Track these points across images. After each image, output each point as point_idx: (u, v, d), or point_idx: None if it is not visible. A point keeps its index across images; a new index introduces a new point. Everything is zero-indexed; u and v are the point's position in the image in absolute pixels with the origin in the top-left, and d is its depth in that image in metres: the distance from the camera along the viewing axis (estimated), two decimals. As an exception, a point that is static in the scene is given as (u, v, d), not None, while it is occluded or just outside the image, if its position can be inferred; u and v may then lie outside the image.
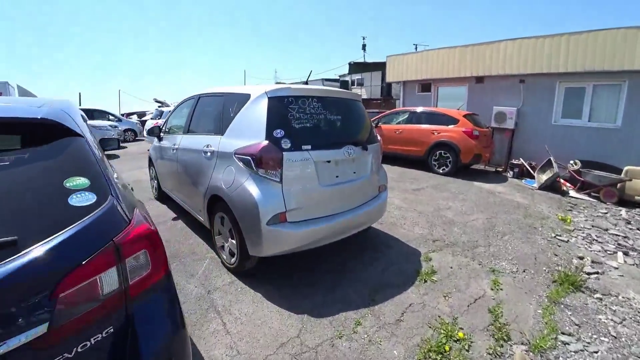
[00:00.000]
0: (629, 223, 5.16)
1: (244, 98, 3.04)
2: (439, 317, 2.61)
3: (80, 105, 21.93)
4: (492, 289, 3.01)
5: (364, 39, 34.95)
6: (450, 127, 7.77)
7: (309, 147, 2.81)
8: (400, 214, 4.76)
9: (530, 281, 3.19)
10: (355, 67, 30.86)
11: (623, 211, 5.78)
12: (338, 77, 32.90)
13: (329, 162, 2.93)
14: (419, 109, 8.73)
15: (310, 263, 3.32)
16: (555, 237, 4.25)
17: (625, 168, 6.76)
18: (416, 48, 23.15)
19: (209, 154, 3.26)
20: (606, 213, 5.61)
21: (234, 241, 3.00)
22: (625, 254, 3.93)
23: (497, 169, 8.84)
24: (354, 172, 3.16)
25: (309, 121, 2.90)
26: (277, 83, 39.86)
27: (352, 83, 30.43)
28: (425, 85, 11.10)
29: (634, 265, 3.67)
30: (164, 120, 4.98)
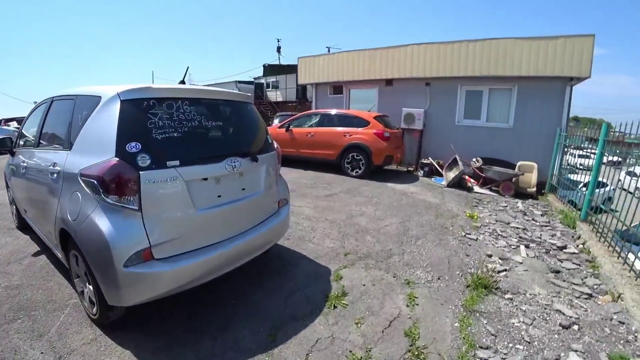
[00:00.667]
0: (525, 214, 5.55)
1: (94, 102, 2.34)
2: (350, 351, 2.21)
3: None
4: (407, 305, 2.74)
5: (278, 41, 34.56)
6: (362, 129, 7.73)
7: (177, 162, 2.20)
8: (310, 226, 4.35)
9: (446, 289, 3.01)
10: (270, 70, 30.34)
11: (519, 203, 6.28)
12: (252, 80, 32.06)
13: (205, 179, 2.35)
14: (331, 111, 8.57)
15: (196, 296, 2.69)
16: (465, 236, 4.27)
17: (518, 163, 7.44)
18: (329, 51, 23.59)
19: (55, 175, 2.48)
20: (506, 206, 6.01)
21: (91, 287, 2.28)
22: (527, 246, 4.10)
23: (409, 168, 9.14)
24: (243, 189, 2.63)
25: (177, 130, 2.29)
26: (181, 83, 37.22)
27: (267, 85, 29.91)
28: (337, 87, 11.10)
29: (534, 257, 3.80)
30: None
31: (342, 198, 5.75)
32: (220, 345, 2.22)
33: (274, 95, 29.39)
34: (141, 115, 2.18)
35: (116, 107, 2.15)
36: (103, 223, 2.03)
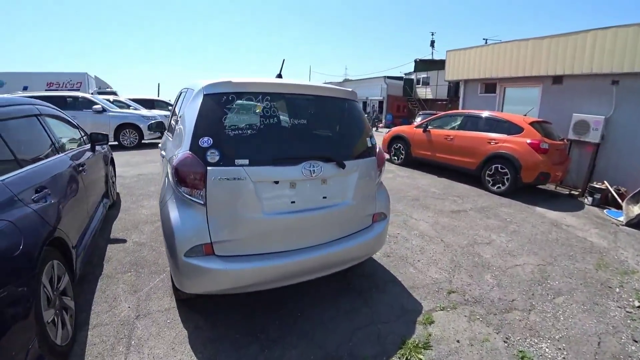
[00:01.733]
0: None
1: (190, 95, 2.49)
2: None
3: (158, 96, 23.28)
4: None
5: (432, 34, 32.62)
6: (512, 136, 6.41)
7: (246, 161, 2.12)
8: (419, 245, 3.82)
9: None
10: (421, 65, 28.96)
11: None
12: (403, 75, 31.24)
13: (277, 183, 2.22)
14: (477, 113, 7.41)
15: (264, 296, 2.69)
16: (639, 307, 2.98)
17: None
18: (486, 42, 20.81)
19: (162, 159, 2.80)
20: None
21: (172, 266, 2.54)
22: None
23: (572, 191, 7.13)
24: (324, 197, 2.40)
25: (251, 127, 2.22)
26: (346, 80, 38.72)
27: (418, 82, 28.62)
28: (490, 85, 9.54)
29: None
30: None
31: (471, 217, 4.89)
32: (264, 359, 2.11)
33: (423, 92, 27.99)
34: (218, 110, 2.17)
35: (199, 101, 2.23)
36: (173, 211, 2.17)
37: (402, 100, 30.06)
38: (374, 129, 24.38)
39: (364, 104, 34.00)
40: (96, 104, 9.90)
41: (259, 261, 2.17)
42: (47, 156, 2.75)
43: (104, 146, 4.72)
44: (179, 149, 2.21)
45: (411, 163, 8.67)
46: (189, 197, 2.11)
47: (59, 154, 2.98)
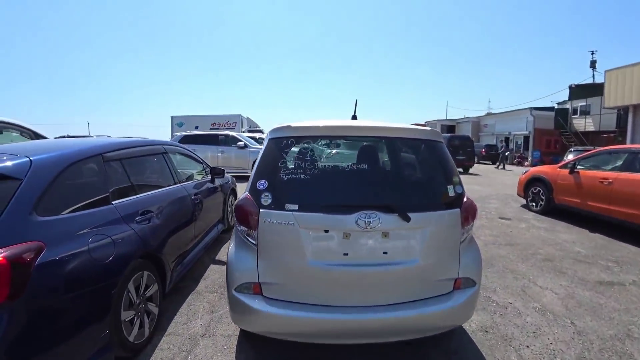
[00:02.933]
0: None
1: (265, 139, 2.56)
2: None
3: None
4: None
5: (593, 53, 26.91)
6: None
7: (296, 206, 2.03)
8: (534, 325, 2.87)
9: None
10: (578, 91, 24.07)
11: None
12: (555, 105, 26.66)
13: (326, 231, 2.01)
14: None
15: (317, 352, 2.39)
16: None
17: None
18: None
19: None
20: None
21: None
22: None
23: None
24: (385, 253, 2.04)
25: (305, 171, 2.14)
26: (488, 114, 35.95)
27: (574, 112, 23.95)
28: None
29: None
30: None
31: (631, 295, 3.49)
32: None
33: (582, 124, 23.21)
34: (277, 153, 2.18)
35: (264, 145, 2.31)
36: (232, 247, 2.27)
37: (553, 134, 25.46)
38: (500, 166, 21.24)
39: (506, 139, 30.28)
40: (240, 140, 11.65)
41: (301, 311, 2.01)
42: (163, 186, 3.25)
43: (229, 178, 5.40)
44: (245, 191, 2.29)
45: (553, 211, 7.06)
46: (246, 236, 2.15)
47: (175, 184, 3.48)
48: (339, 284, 2.04)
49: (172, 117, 25.99)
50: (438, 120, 40.29)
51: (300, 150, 2.21)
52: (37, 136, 5.28)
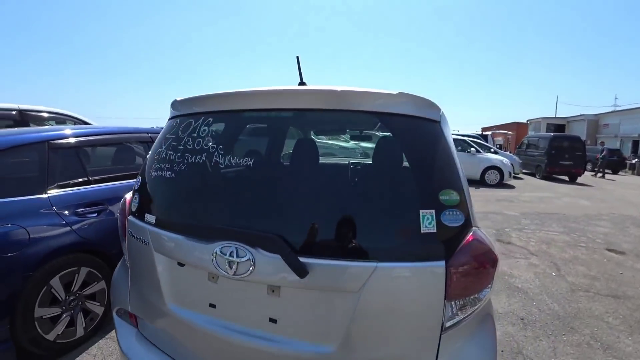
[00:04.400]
0: None
1: None
2: None
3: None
4: None
5: None
6: None
7: (153, 218, 1.36)
8: None
9: None
10: None
11: None
12: None
13: (182, 265, 1.29)
14: None
15: None
16: None
17: None
18: None
19: None
20: None
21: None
22: None
23: None
24: (273, 321, 1.13)
25: (173, 166, 1.38)
26: (613, 112, 29.72)
27: None
28: None
29: None
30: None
31: None
32: None
33: None
34: (160, 139, 1.54)
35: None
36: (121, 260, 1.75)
37: None
38: (598, 174, 16.55)
39: (635, 143, 24.23)
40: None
41: None
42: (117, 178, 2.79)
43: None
44: None
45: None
46: (124, 249, 1.59)
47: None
48: (207, 349, 1.26)
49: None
50: (543, 118, 34.09)
51: (176, 134, 1.45)
52: (85, 124, 5.45)
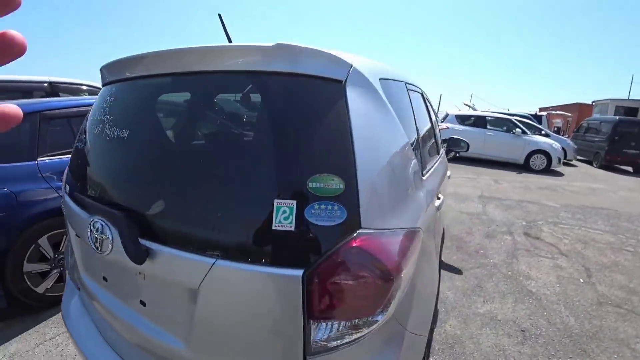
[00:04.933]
0: None
1: None
2: None
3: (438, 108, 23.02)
4: None
5: None
6: None
7: (67, 188, 1.42)
8: None
9: None
10: None
11: None
12: None
13: (77, 236, 1.33)
14: None
15: None
16: None
17: None
18: None
19: None
20: None
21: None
22: None
23: None
24: (142, 304, 1.11)
25: (90, 135, 1.38)
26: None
27: None
28: None
29: None
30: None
31: None
32: None
33: None
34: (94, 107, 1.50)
35: None
36: None
37: None
38: None
39: None
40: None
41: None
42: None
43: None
44: None
45: None
46: None
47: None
48: (110, 320, 1.26)
49: None
50: (612, 99, 29.92)
51: (97, 102, 1.42)
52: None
